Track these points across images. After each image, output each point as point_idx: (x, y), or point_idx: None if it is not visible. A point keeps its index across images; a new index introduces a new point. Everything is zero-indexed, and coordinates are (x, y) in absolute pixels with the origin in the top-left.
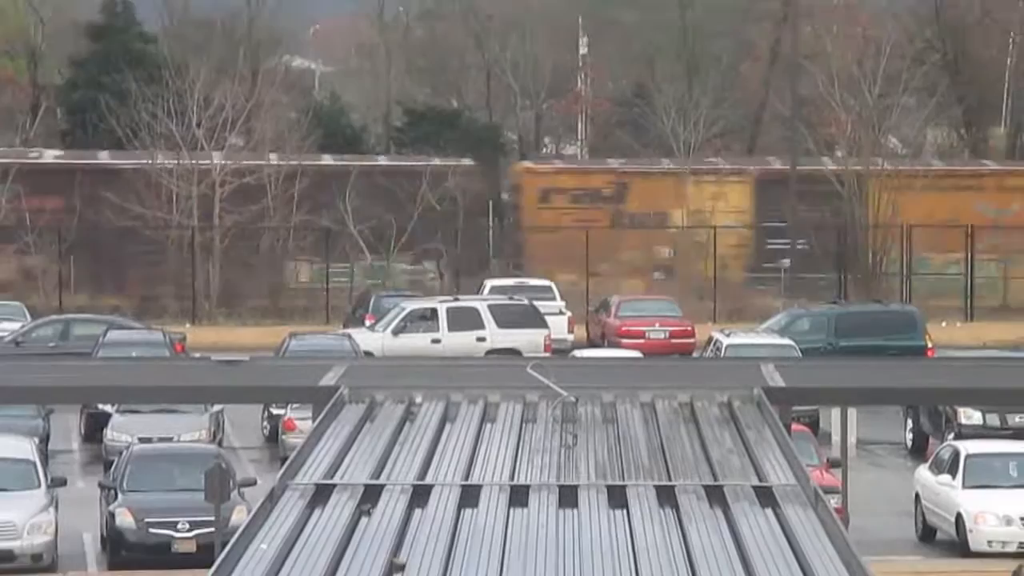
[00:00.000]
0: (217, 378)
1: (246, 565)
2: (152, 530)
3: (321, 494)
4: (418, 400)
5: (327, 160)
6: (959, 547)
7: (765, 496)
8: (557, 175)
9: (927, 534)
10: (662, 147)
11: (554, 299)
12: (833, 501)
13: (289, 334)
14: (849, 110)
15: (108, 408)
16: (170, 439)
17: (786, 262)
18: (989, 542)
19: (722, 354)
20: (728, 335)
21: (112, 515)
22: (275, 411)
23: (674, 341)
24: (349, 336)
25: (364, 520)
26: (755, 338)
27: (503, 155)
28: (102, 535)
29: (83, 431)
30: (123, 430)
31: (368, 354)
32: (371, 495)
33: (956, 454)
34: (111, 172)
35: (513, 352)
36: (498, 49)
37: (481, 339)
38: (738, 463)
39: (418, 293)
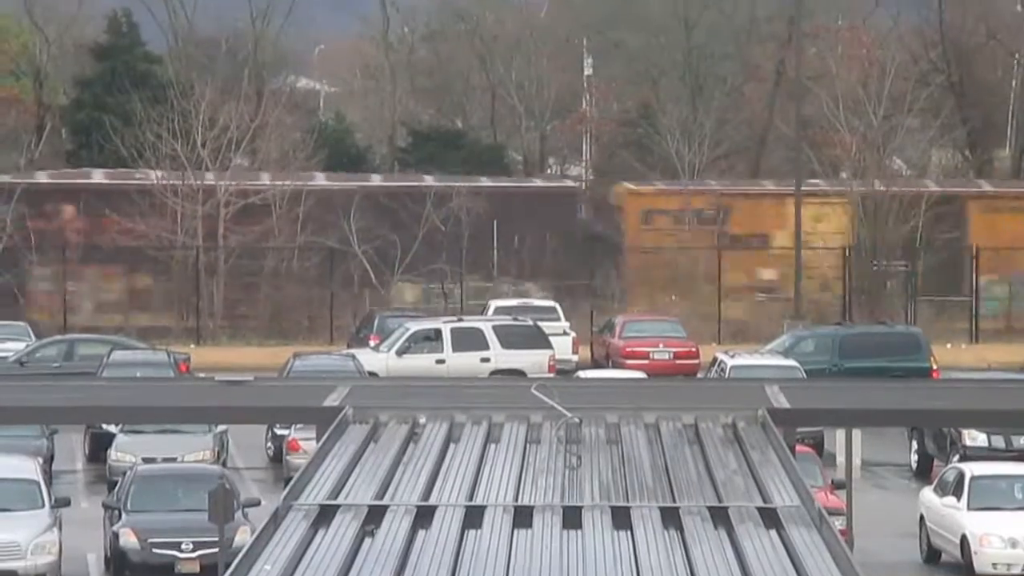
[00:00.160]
0: (221, 398)
1: None
2: (156, 550)
3: (325, 515)
4: (422, 421)
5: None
6: (964, 569)
7: (769, 517)
8: (660, 196)
9: (932, 556)
10: (666, 168)
11: (558, 319)
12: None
13: (293, 354)
14: (854, 131)
15: (112, 428)
16: (174, 459)
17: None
18: (994, 564)
19: (726, 375)
20: (732, 356)
21: (116, 535)
22: (279, 431)
23: (678, 362)
24: (353, 356)
25: (368, 541)
26: (759, 359)
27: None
28: (106, 555)
29: (87, 451)
30: (127, 450)
31: (372, 374)
32: (375, 516)
33: (961, 476)
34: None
35: (517, 373)
36: (503, 70)
37: (485, 360)
38: (742, 484)
39: (422, 313)
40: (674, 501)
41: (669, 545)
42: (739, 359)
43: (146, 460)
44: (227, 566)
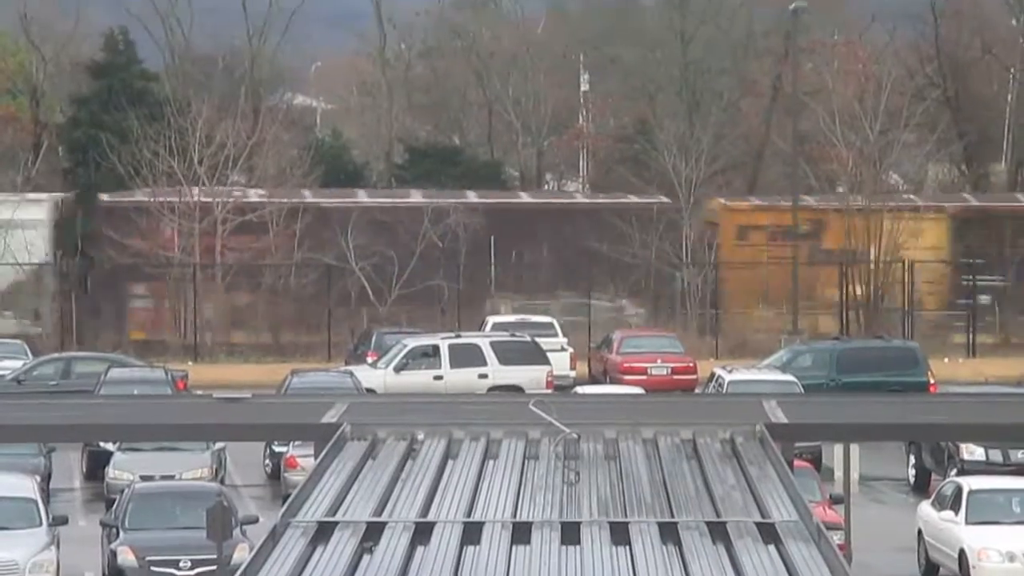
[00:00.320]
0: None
1: None
2: (154, 568)
3: (323, 532)
4: (420, 437)
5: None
6: None
7: (768, 532)
8: (755, 212)
9: (930, 570)
10: (663, 183)
11: (556, 335)
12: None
13: (291, 371)
14: (850, 146)
15: (110, 446)
16: (172, 477)
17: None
18: None
19: (724, 390)
20: (730, 371)
21: (114, 554)
22: (277, 448)
23: (676, 377)
24: (351, 373)
25: (366, 558)
26: (757, 374)
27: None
28: (104, 573)
29: (84, 469)
30: (125, 468)
31: (370, 391)
32: (373, 533)
33: (959, 490)
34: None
35: (515, 389)
36: (499, 86)
37: (483, 376)
38: (740, 499)
39: (419, 330)
40: (672, 516)
41: (668, 560)
42: (737, 374)
43: (144, 478)
44: None
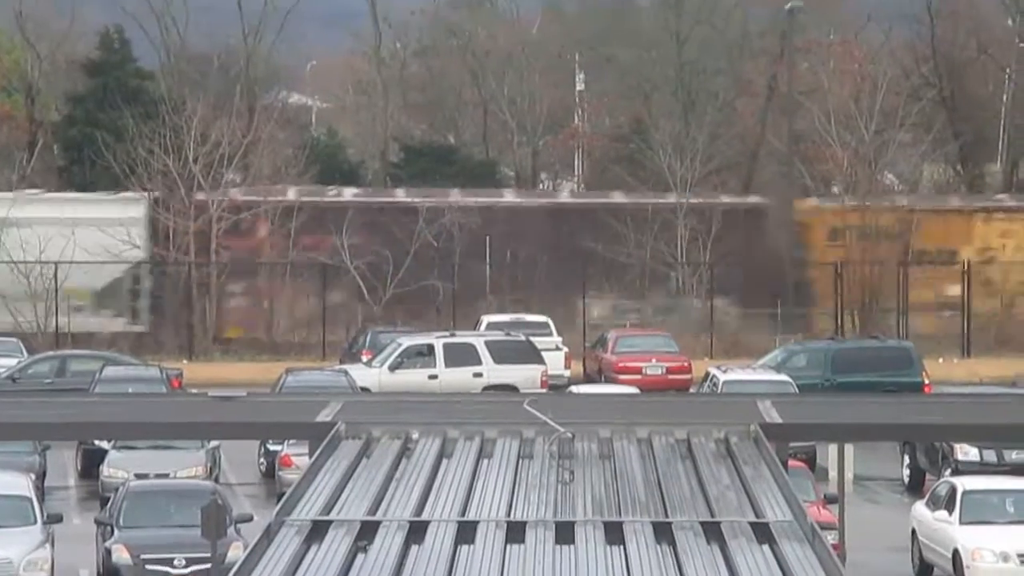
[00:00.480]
0: (213, 414)
1: None
2: (148, 566)
3: (317, 530)
4: (415, 436)
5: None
6: None
7: (762, 532)
8: (846, 213)
9: (924, 570)
10: (659, 183)
11: (551, 335)
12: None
13: (285, 370)
14: (845, 146)
15: (104, 444)
16: (166, 475)
17: None
18: None
19: (719, 390)
20: (725, 371)
21: (108, 551)
22: (272, 447)
23: (671, 377)
24: (346, 372)
25: (360, 556)
26: (752, 374)
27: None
28: (98, 572)
29: (79, 467)
30: (119, 466)
31: (365, 390)
32: (367, 531)
33: (953, 490)
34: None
35: (510, 388)
36: (495, 85)
37: (478, 375)
38: (735, 499)
39: (414, 329)
40: (667, 516)
41: (662, 560)
42: (731, 374)
43: (138, 476)
44: None
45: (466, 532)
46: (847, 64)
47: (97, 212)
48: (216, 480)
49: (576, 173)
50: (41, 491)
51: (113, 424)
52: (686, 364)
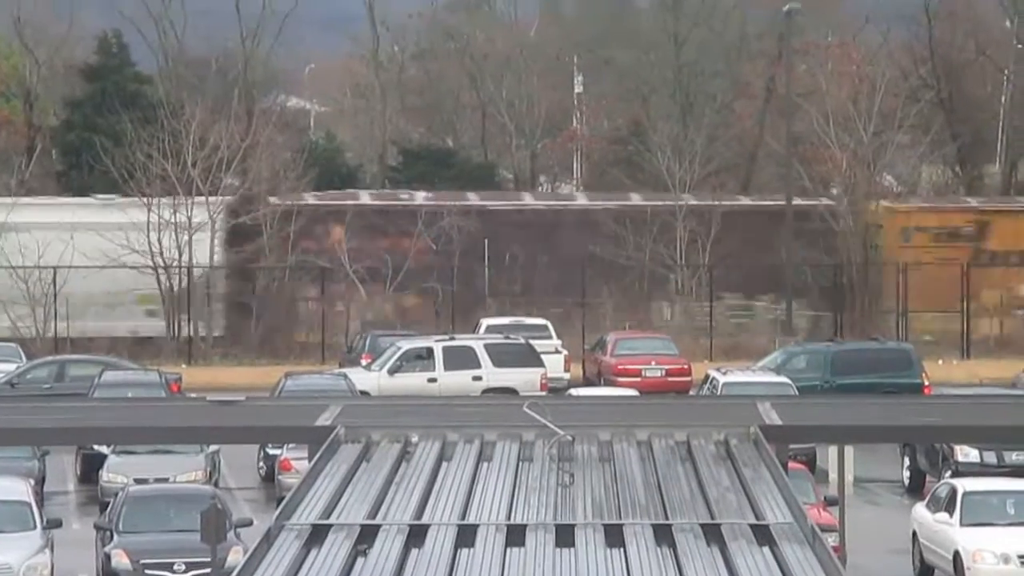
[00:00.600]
0: (213, 419)
1: None
2: (148, 571)
3: (317, 534)
4: (414, 439)
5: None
6: None
7: (762, 534)
8: (919, 214)
9: (925, 572)
10: (657, 185)
11: (550, 337)
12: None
13: (285, 374)
14: (844, 148)
15: (104, 449)
16: (166, 480)
17: None
18: None
19: (718, 392)
20: (724, 373)
21: (108, 557)
22: (271, 451)
23: (670, 379)
24: (345, 376)
25: (360, 560)
26: (751, 376)
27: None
28: None
29: (79, 472)
30: (119, 471)
31: (364, 394)
32: (367, 535)
33: (953, 492)
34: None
35: (509, 391)
36: (493, 88)
37: (477, 378)
38: (735, 501)
39: (413, 332)
40: (667, 518)
41: (662, 562)
42: (731, 376)
43: (138, 481)
44: None
45: (466, 535)
46: (845, 66)
47: (172, 217)
48: (216, 484)
49: (575, 175)
50: (40, 496)
51: (112, 429)
52: (686, 366)
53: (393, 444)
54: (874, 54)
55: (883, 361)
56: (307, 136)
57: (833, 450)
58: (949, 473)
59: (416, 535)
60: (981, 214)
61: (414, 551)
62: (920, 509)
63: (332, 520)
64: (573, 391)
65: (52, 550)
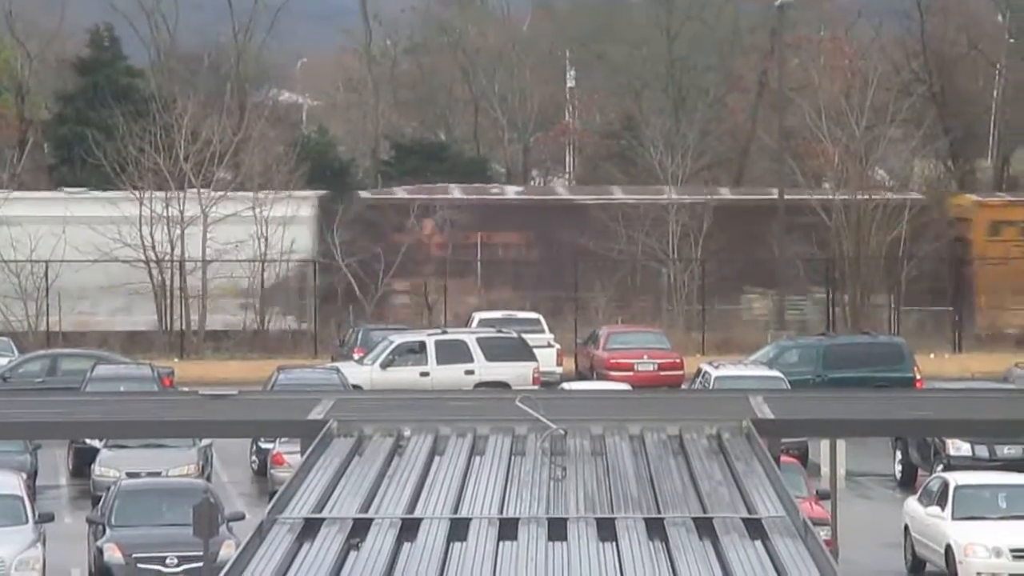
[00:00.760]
0: (205, 412)
1: None
2: (140, 565)
3: (310, 528)
4: (407, 433)
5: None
6: None
7: (754, 528)
8: (1007, 208)
9: (916, 566)
10: (650, 179)
11: (542, 332)
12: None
13: (277, 368)
14: (836, 142)
15: (96, 443)
16: (158, 474)
17: None
18: (979, 574)
19: (711, 386)
20: (717, 367)
21: (100, 551)
22: (264, 445)
23: (663, 373)
24: (337, 370)
25: (353, 554)
26: (743, 370)
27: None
28: (90, 571)
29: (71, 466)
30: (111, 465)
31: (356, 387)
32: (360, 529)
33: (945, 485)
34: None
35: (502, 385)
36: (485, 82)
37: (470, 372)
38: (727, 495)
39: (406, 326)
40: (659, 512)
41: (654, 556)
42: (723, 370)
43: (130, 475)
44: None
45: (458, 529)
46: (837, 60)
47: (271, 211)
48: (208, 478)
49: (567, 169)
50: (32, 490)
51: (104, 423)
52: (678, 360)
53: (386, 438)
54: (866, 48)
55: (875, 355)
56: (299, 130)
57: (825, 444)
58: (941, 467)
59: (409, 529)
60: None
61: (407, 545)
62: (912, 503)
63: (325, 514)
64: (565, 385)
65: (44, 544)
